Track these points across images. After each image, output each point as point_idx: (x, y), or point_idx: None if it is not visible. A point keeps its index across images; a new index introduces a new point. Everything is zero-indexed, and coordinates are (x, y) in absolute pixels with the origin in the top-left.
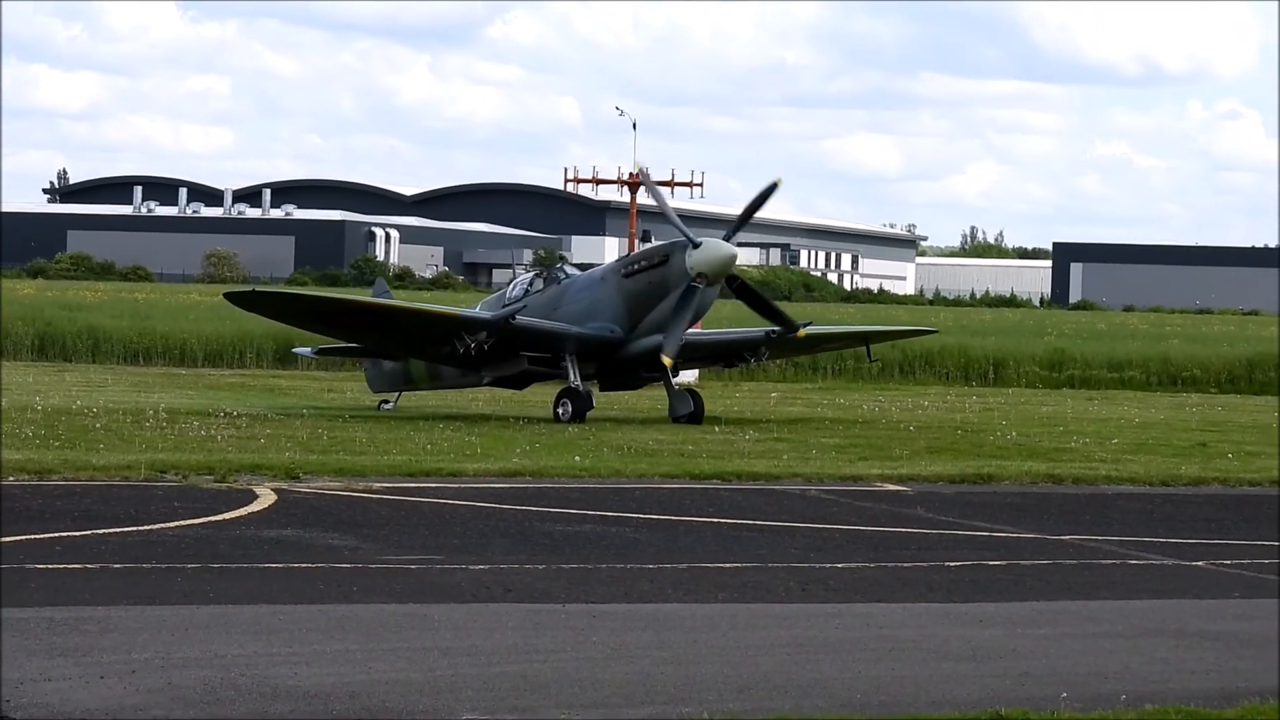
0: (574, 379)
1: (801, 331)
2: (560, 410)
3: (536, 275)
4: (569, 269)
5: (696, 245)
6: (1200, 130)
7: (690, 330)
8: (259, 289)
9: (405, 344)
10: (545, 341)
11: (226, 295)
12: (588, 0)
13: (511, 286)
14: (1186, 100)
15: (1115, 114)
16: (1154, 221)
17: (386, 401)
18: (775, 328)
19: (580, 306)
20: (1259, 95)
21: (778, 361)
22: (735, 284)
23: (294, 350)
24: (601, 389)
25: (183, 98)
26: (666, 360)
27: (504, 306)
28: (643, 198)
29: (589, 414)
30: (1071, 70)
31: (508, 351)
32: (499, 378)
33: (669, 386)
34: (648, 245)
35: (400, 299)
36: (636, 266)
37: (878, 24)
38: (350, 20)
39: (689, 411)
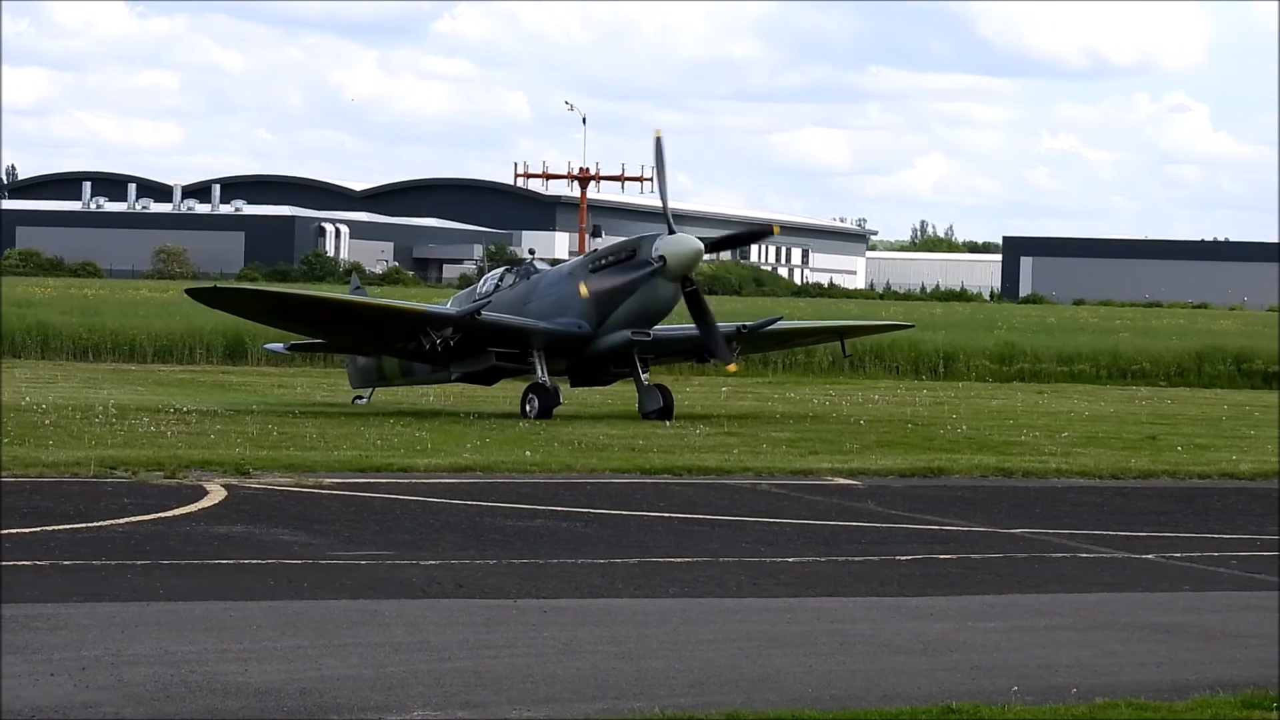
0: (541, 375)
1: (731, 367)
2: (528, 406)
3: (507, 270)
4: (539, 264)
5: (671, 233)
6: (1148, 123)
7: (659, 326)
8: (220, 285)
9: (371, 340)
10: (512, 337)
11: (188, 292)
12: None
13: (482, 282)
14: (1134, 93)
15: (1063, 107)
16: (1101, 214)
17: (360, 397)
18: (746, 324)
19: (549, 302)
20: (1206, 88)
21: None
22: (689, 287)
23: (266, 346)
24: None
25: (131, 93)
26: (731, 368)
27: (474, 302)
28: (592, 192)
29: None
30: (1019, 63)
31: (475, 347)
32: (467, 374)
33: (639, 383)
34: (616, 240)
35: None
36: (604, 262)
37: (825, 18)
38: (297, 16)
39: (658, 407)
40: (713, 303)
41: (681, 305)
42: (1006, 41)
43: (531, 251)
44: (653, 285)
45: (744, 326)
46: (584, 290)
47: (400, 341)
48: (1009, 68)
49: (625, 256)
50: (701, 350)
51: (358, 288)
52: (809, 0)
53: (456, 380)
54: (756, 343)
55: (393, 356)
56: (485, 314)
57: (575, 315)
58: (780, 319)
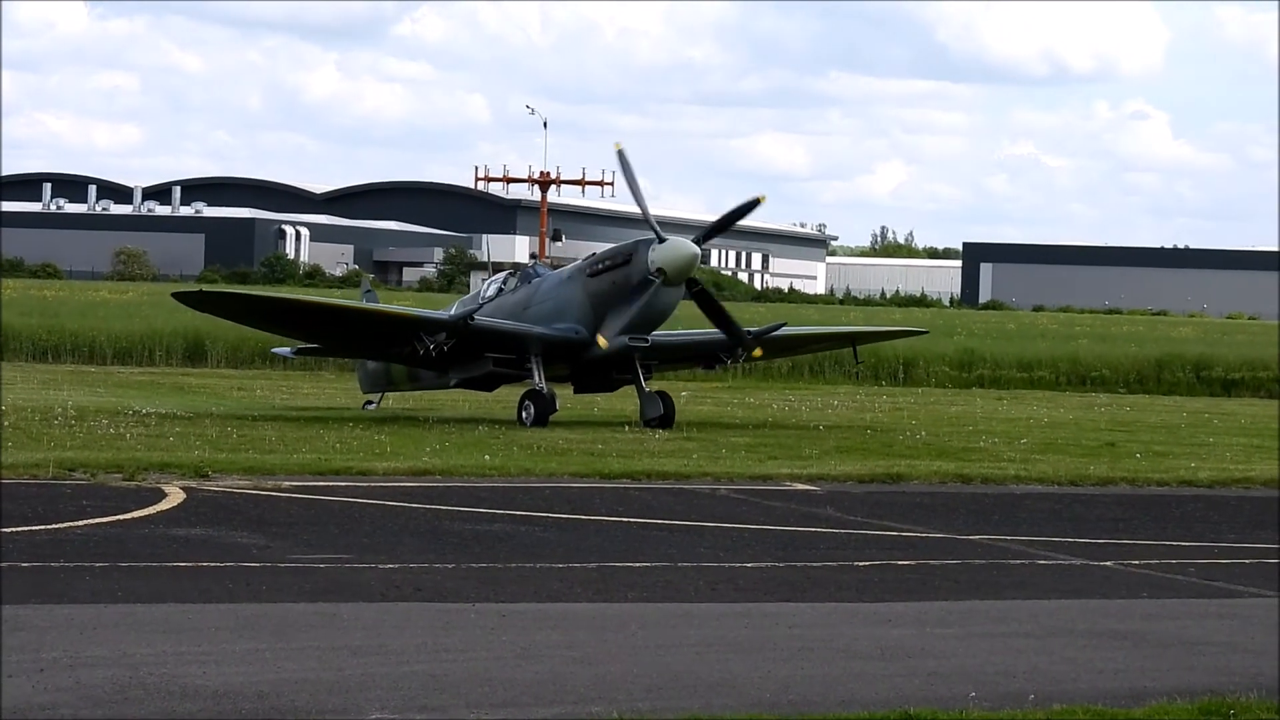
0: (538, 381)
1: (757, 351)
2: (524, 413)
3: (510, 274)
4: (541, 268)
5: (662, 241)
6: (1107, 130)
7: (661, 332)
8: (205, 289)
9: (364, 345)
10: (508, 343)
11: (175, 295)
12: None
13: (485, 286)
14: (1093, 100)
15: (1022, 114)
16: (1061, 221)
17: (371, 402)
18: (750, 329)
19: (548, 307)
20: (1165, 95)
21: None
22: (695, 288)
23: (274, 350)
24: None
25: (90, 94)
26: (601, 342)
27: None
28: (553, 196)
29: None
30: (977, 70)
31: (471, 353)
32: (465, 379)
33: (640, 389)
34: (614, 245)
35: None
36: (601, 266)
37: (785, 22)
38: (257, 17)
39: (659, 414)
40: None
41: (685, 310)
42: (966, 48)
43: (533, 256)
44: (652, 291)
45: (749, 332)
46: (603, 343)
47: (394, 347)
48: (968, 74)
49: (622, 261)
50: (706, 355)
51: (369, 291)
52: (769, 3)
53: (455, 386)
54: (763, 349)
55: (388, 362)
56: (479, 319)
57: (573, 320)
58: (784, 324)
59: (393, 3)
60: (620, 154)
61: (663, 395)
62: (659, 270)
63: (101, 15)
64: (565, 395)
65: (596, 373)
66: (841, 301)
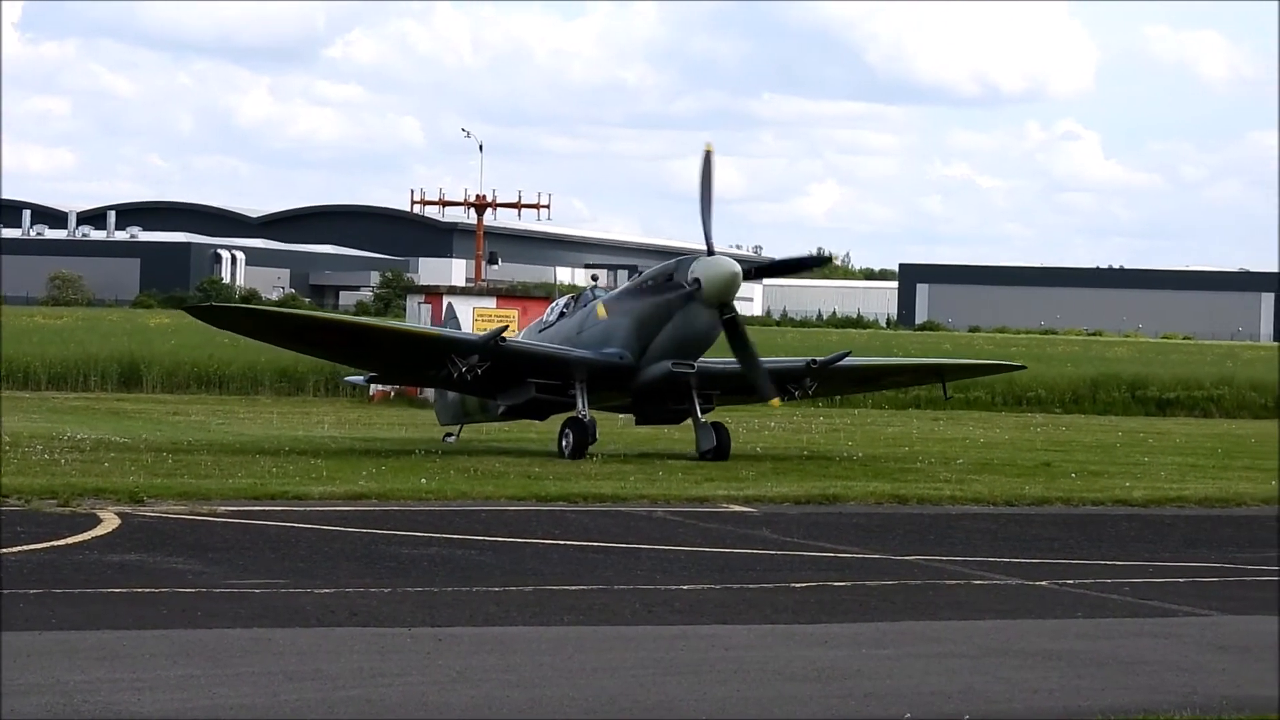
0: (581, 408)
1: (775, 402)
2: (564, 442)
3: (571, 298)
4: (600, 291)
5: (710, 255)
6: (1039, 150)
7: (706, 358)
8: (216, 305)
9: (395, 366)
10: (547, 367)
11: (187, 309)
12: (429, 1)
13: (549, 310)
14: (1025, 121)
15: (955, 135)
16: (996, 241)
17: (450, 434)
18: (815, 359)
19: (597, 331)
20: (1096, 115)
21: None
22: (727, 315)
23: (345, 379)
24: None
25: (23, 118)
26: (775, 403)
27: (540, 332)
28: (489, 219)
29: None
30: (910, 91)
31: (513, 378)
32: (511, 407)
33: (696, 420)
34: (657, 265)
35: None
36: (646, 285)
37: (717, 44)
38: (187, 40)
39: (713, 446)
40: None
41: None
42: (897, 69)
43: (594, 279)
44: (689, 311)
45: (813, 361)
46: (602, 312)
47: (427, 369)
48: (900, 95)
49: (664, 278)
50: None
51: (453, 318)
52: (701, 24)
53: (503, 415)
54: (835, 381)
55: (426, 386)
56: (511, 341)
57: (620, 345)
58: (849, 353)
59: (325, 24)
60: (708, 155)
61: (717, 427)
62: (694, 280)
63: (32, 39)
64: (506, 424)
65: (653, 402)
66: (779, 323)
